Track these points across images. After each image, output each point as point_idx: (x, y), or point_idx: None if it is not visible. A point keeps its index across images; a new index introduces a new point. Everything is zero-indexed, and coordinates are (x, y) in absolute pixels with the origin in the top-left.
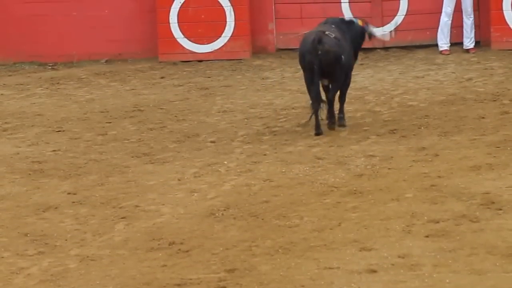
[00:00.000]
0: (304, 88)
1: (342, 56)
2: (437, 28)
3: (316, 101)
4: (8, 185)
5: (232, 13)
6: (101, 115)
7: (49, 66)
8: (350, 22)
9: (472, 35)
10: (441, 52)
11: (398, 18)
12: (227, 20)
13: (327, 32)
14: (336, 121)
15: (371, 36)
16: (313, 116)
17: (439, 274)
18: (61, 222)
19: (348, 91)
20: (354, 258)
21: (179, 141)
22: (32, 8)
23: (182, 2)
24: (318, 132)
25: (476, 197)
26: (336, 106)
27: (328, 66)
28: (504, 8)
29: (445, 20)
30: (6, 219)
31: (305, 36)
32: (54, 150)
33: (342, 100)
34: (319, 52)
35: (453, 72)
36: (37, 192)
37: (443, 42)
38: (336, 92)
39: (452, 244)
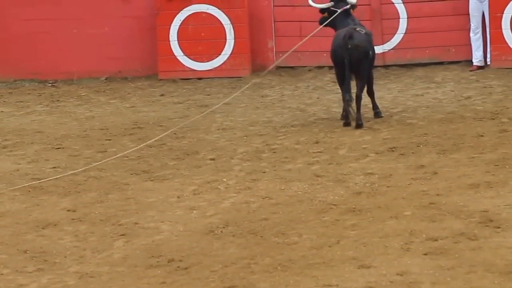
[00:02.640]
0: (303, 106)
1: (370, 52)
2: (436, 46)
3: (347, 93)
4: (8, 202)
5: (232, 31)
6: (100, 132)
7: (49, 83)
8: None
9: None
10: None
11: (398, 36)
12: (227, 38)
13: (358, 28)
14: (362, 120)
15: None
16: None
17: None
18: (60, 239)
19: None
20: (352, 275)
21: (179, 159)
22: (32, 25)
23: (182, 20)
24: (347, 122)
25: (474, 215)
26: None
27: (357, 61)
28: (503, 27)
29: (471, 35)
30: (6, 235)
31: (338, 33)
32: (53, 167)
33: (371, 94)
34: (349, 47)
35: (452, 91)
36: (37, 209)
37: (474, 57)
38: (363, 87)
39: (451, 262)
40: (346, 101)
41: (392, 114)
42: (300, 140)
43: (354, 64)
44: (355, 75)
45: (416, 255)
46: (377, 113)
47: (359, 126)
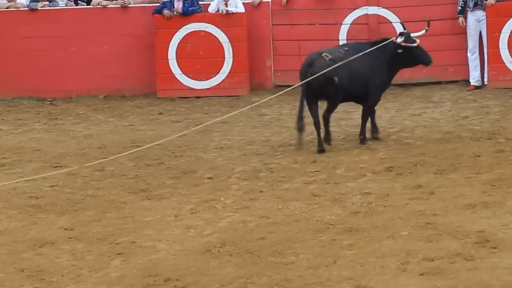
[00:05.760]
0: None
1: (336, 78)
2: (434, 66)
3: (315, 119)
4: (5, 220)
5: (231, 49)
6: (98, 151)
7: (48, 101)
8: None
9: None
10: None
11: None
12: (225, 56)
13: (324, 54)
14: (331, 138)
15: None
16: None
17: None
18: (57, 258)
19: (346, 128)
20: None
21: (176, 177)
22: (31, 43)
23: (180, 38)
24: (321, 149)
25: (471, 236)
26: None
27: (319, 88)
28: (500, 47)
29: (468, 55)
30: (3, 254)
31: (306, 57)
32: (51, 186)
33: (362, 118)
34: (309, 75)
35: (449, 110)
36: (34, 227)
37: (471, 77)
38: (330, 111)
39: (447, 282)
40: (316, 127)
41: (390, 133)
42: (297, 159)
43: (317, 91)
44: (324, 100)
45: (413, 275)
46: (361, 140)
47: (327, 141)
